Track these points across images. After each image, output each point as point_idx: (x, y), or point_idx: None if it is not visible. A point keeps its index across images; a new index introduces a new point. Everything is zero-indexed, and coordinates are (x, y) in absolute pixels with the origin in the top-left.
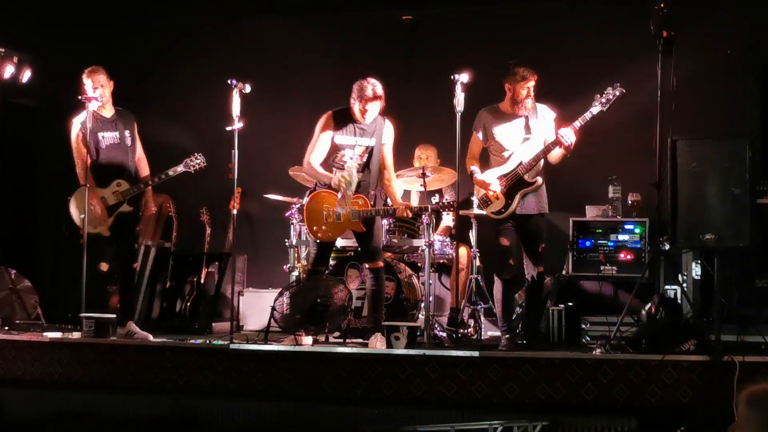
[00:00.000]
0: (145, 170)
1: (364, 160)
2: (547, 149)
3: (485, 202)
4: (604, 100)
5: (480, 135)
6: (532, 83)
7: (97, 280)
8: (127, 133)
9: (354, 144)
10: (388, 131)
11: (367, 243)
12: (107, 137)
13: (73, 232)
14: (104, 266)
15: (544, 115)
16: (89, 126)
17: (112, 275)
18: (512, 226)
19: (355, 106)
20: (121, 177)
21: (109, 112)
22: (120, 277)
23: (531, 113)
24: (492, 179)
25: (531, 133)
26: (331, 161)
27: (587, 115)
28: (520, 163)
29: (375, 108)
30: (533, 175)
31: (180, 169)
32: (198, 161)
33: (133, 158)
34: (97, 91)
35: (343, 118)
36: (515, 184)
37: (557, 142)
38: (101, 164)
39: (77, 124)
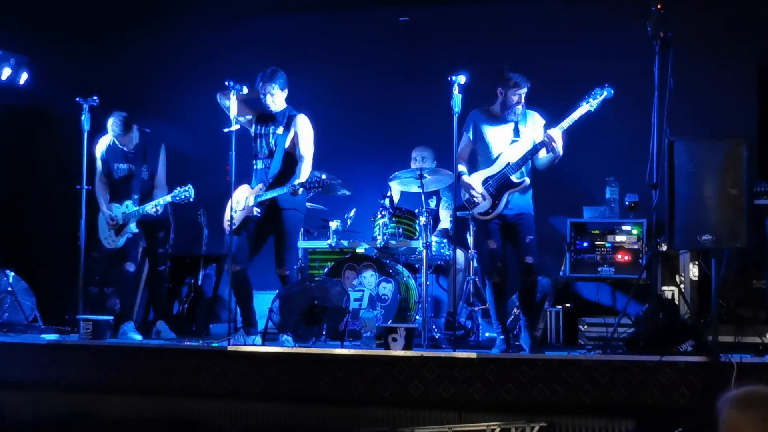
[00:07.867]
0: (158, 197)
1: None
2: (535, 149)
3: (471, 203)
4: (591, 100)
5: (470, 135)
6: (524, 90)
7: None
8: (144, 168)
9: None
10: None
11: None
12: (121, 169)
13: (92, 245)
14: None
15: (534, 121)
16: (106, 155)
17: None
18: (498, 227)
19: None
20: (130, 199)
21: (128, 146)
22: (150, 278)
23: (521, 119)
24: (477, 183)
25: (520, 136)
26: None
27: (574, 115)
28: (508, 164)
29: None
30: (520, 176)
31: (168, 199)
32: (186, 194)
33: (147, 188)
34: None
35: None
36: (502, 184)
37: (545, 143)
38: (113, 187)
39: (103, 145)
